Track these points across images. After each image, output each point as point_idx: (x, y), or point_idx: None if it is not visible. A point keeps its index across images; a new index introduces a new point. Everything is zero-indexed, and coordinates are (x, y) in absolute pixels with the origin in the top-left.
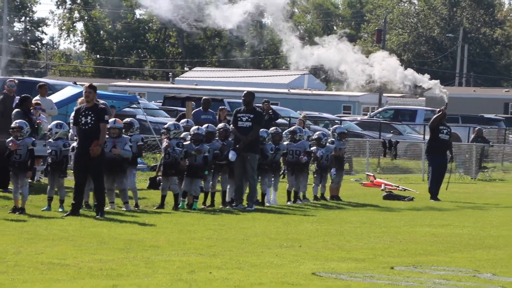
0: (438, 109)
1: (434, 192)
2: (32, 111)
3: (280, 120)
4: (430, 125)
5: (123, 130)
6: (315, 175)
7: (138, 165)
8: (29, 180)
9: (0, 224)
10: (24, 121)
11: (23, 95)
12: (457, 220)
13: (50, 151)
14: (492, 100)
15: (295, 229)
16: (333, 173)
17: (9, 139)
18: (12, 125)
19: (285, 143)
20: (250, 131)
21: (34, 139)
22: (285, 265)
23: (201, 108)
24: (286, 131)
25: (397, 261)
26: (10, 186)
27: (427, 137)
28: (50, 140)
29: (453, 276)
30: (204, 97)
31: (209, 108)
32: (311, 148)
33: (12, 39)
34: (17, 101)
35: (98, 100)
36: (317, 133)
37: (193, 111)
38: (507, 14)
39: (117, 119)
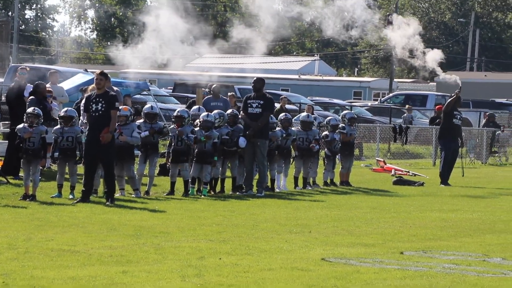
0: (452, 93)
1: (445, 177)
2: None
3: (290, 106)
4: (444, 109)
5: (132, 117)
6: (325, 161)
7: None
8: (41, 168)
9: (11, 211)
10: (38, 109)
11: (36, 82)
12: (467, 205)
13: (64, 137)
14: (504, 85)
15: (304, 215)
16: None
17: (20, 126)
18: (29, 110)
19: (293, 128)
20: (260, 117)
21: (46, 127)
22: (295, 251)
23: (211, 95)
24: (296, 117)
25: (406, 246)
26: (21, 173)
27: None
28: (64, 127)
29: (463, 261)
30: (213, 85)
31: (219, 95)
32: (324, 133)
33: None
34: (31, 89)
35: (113, 87)
36: (330, 118)
37: (204, 98)
38: None
39: (123, 106)
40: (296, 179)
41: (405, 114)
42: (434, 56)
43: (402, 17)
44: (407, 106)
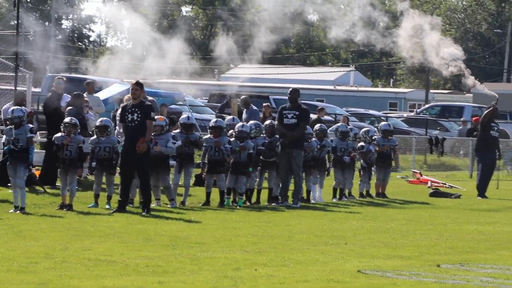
0: (489, 105)
1: (482, 189)
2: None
3: (326, 117)
4: (481, 121)
5: (167, 127)
6: (361, 172)
7: None
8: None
9: (48, 220)
10: (76, 119)
11: (75, 93)
12: (505, 218)
13: (101, 147)
14: None
15: (340, 227)
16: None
17: (57, 135)
18: (66, 120)
19: (329, 139)
20: (295, 127)
21: (83, 137)
22: (331, 263)
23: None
24: (332, 128)
25: (443, 259)
26: (58, 183)
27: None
28: (100, 136)
29: (501, 275)
30: (242, 96)
31: (249, 106)
32: (359, 144)
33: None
34: (68, 99)
35: (147, 97)
36: (366, 129)
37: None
38: None
39: (158, 116)
40: (335, 190)
41: (461, 127)
42: (453, 52)
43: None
44: (462, 118)
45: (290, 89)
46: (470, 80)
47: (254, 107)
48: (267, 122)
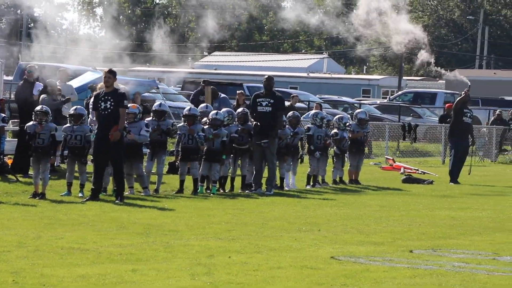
0: (462, 92)
1: (454, 175)
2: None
3: (299, 104)
4: (454, 107)
5: (140, 114)
6: (334, 159)
7: None
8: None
9: (21, 209)
10: (47, 107)
11: (48, 80)
12: (477, 203)
13: (73, 136)
14: None
15: (314, 213)
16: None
17: (29, 123)
18: (38, 108)
19: (306, 126)
20: (270, 115)
21: (55, 125)
22: (304, 249)
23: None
24: (311, 114)
25: (416, 245)
26: (30, 171)
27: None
28: (74, 125)
29: (473, 259)
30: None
31: (216, 97)
32: (333, 131)
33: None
34: (40, 87)
35: (119, 85)
36: (339, 116)
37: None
38: None
39: (132, 104)
40: (309, 177)
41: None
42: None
43: None
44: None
45: (266, 76)
46: (424, 55)
47: (223, 95)
48: (239, 110)
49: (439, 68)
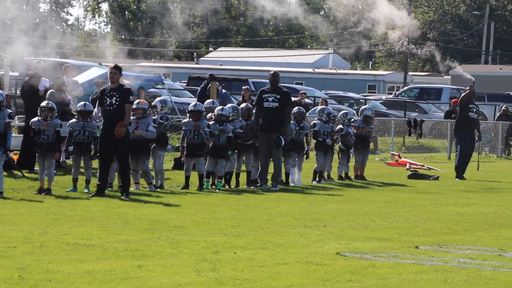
0: (467, 87)
1: (460, 171)
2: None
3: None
4: (459, 103)
5: (148, 110)
6: (340, 155)
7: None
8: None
9: (26, 205)
10: (53, 103)
11: (57, 76)
12: (483, 199)
13: (81, 131)
14: None
15: (319, 209)
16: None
17: (34, 119)
18: (43, 104)
19: (312, 122)
20: (277, 111)
21: (60, 121)
22: (310, 245)
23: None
24: (317, 110)
25: (422, 241)
26: (36, 167)
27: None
28: (81, 121)
29: (478, 255)
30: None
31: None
32: (338, 127)
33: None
34: (45, 83)
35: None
36: (344, 112)
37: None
38: None
39: (141, 99)
40: (315, 173)
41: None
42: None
43: None
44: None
45: (272, 72)
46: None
47: (224, 90)
48: (243, 105)
49: (447, 60)
